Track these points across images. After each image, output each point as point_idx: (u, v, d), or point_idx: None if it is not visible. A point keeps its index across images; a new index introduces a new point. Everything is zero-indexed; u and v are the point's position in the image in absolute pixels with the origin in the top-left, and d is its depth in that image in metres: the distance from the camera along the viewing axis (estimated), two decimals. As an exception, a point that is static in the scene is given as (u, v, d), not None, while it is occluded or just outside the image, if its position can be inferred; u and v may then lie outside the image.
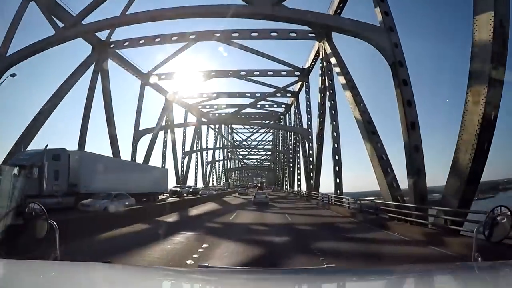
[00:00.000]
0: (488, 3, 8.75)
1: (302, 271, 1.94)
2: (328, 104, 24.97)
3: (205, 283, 1.55)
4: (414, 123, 12.30)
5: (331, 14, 20.30)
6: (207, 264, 1.72)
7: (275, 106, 54.29)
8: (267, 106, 54.03)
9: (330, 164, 23.16)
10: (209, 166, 74.82)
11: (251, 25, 29.54)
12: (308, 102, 35.78)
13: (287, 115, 55.13)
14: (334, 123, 23.94)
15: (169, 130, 48.61)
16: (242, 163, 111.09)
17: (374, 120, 16.83)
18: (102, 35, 30.75)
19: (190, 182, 74.23)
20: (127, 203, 15.70)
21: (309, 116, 34.96)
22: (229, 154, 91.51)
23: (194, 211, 18.03)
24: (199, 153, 64.30)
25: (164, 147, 47.79)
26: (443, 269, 1.84)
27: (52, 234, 1.72)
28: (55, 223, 1.76)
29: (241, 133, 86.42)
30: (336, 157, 22.97)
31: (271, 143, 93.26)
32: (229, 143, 77.69)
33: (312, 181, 31.89)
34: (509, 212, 1.72)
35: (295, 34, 26.40)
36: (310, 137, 33.43)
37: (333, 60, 23.93)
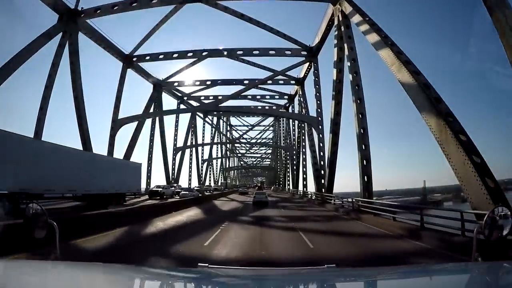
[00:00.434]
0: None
1: (302, 271, 1.90)
2: (350, 77, 18.59)
3: (205, 283, 1.52)
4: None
5: None
6: (207, 264, 1.68)
7: (276, 97, 48.06)
8: (268, 97, 47.75)
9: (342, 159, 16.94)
10: (205, 164, 68.19)
11: None
12: (317, 86, 29.40)
13: (290, 107, 48.75)
14: (358, 101, 17.58)
15: (157, 121, 42.12)
16: (241, 163, 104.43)
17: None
18: (71, 2, 25.16)
19: (183, 181, 68.07)
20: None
21: (318, 102, 28.57)
22: (228, 152, 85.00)
23: (159, 223, 11.66)
24: (194, 150, 57.77)
25: (151, 141, 41.47)
26: (443, 269, 1.85)
27: (52, 234, 1.71)
28: (55, 223, 1.74)
29: (240, 130, 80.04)
30: (363, 146, 16.62)
31: (271, 141, 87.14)
32: (227, 140, 71.16)
33: (323, 180, 25.54)
34: (509, 212, 1.70)
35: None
36: (320, 126, 27.08)
37: (356, 19, 17.67)
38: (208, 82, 41.02)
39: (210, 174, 74.43)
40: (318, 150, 27.04)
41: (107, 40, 31.25)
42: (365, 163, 16.44)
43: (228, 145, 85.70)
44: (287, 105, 51.19)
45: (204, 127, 63.59)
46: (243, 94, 44.60)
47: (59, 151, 14.15)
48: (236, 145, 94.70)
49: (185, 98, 47.16)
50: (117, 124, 32.96)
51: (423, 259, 6.66)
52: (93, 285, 1.42)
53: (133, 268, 1.90)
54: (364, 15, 17.19)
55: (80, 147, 27.50)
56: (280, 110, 45.39)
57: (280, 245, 8.02)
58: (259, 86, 40.91)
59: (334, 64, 22.35)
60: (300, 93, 37.54)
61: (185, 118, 54.70)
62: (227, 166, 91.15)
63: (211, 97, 57.23)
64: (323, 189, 25.56)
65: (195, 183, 60.82)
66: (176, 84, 40.90)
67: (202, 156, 65.65)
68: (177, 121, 48.80)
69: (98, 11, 26.51)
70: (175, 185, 36.11)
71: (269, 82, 39.77)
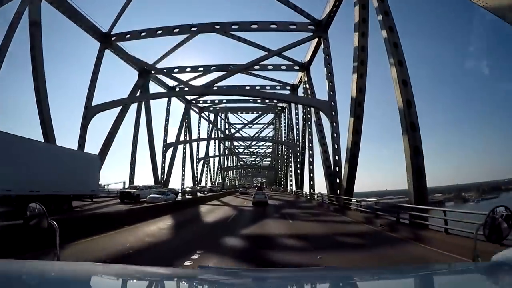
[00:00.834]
0: None
1: (302, 271, 1.97)
2: (384, 33, 13.12)
3: (205, 283, 1.51)
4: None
5: None
6: (207, 265, 1.24)
7: (278, 87, 42.56)
8: (268, 87, 42.32)
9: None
10: (200, 163, 62.61)
11: None
12: (328, 65, 23.88)
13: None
14: (399, 65, 12.12)
15: (143, 109, 36.38)
16: (241, 162, 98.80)
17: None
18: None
19: (176, 181, 62.48)
20: None
21: (330, 83, 22.96)
22: (226, 151, 79.44)
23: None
24: (187, 147, 52.26)
25: (135, 136, 35.93)
26: (443, 269, 1.83)
27: (52, 234, 1.69)
28: (55, 223, 1.71)
29: (239, 128, 74.20)
30: (410, 127, 11.15)
31: (272, 139, 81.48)
32: (223, 136, 65.53)
33: (338, 179, 20.06)
34: (509, 212, 1.68)
35: None
36: (333, 113, 21.62)
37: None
38: (201, 69, 35.68)
39: (206, 173, 68.92)
40: (331, 143, 21.49)
41: (80, 14, 25.90)
42: (413, 152, 10.95)
43: (226, 143, 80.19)
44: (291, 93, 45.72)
45: (199, 123, 58.04)
46: (241, 84, 39.46)
47: None
48: (234, 144, 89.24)
49: (177, 88, 41.78)
50: (89, 112, 27.51)
51: None
52: (93, 285, 1.41)
53: (133, 268, 1.79)
54: None
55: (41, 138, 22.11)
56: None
57: None
58: (260, 76, 35.60)
59: (355, 27, 16.88)
60: (306, 79, 32.02)
61: (177, 113, 49.37)
62: (225, 165, 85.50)
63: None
64: (338, 191, 20.10)
65: (190, 184, 55.49)
66: (165, 70, 35.24)
67: (197, 155, 60.16)
68: (167, 114, 43.23)
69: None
70: (156, 185, 30.27)
71: (270, 67, 34.38)
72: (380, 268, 2.40)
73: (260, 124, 68.77)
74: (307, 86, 31.23)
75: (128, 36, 29.75)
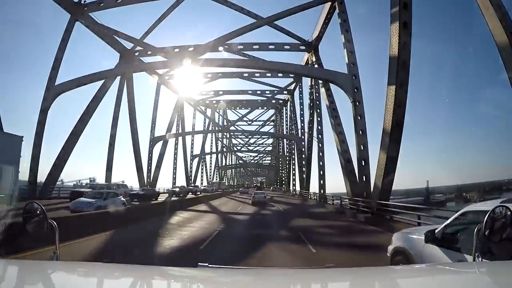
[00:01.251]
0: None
1: (302, 271, 1.83)
2: None
3: (205, 282, 1.47)
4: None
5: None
6: (207, 264, 1.61)
7: (280, 75, 37.25)
8: (269, 74, 37.08)
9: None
10: (195, 161, 57.00)
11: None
12: (346, 31, 18.43)
13: (297, 89, 38.07)
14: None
15: (125, 91, 30.41)
16: (240, 161, 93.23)
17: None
18: None
19: (166, 180, 57.00)
20: None
21: (350, 53, 17.53)
22: (224, 148, 73.97)
23: None
24: (180, 143, 46.72)
25: (114, 126, 30.24)
26: (443, 269, 1.80)
27: (52, 234, 1.63)
28: (55, 223, 1.67)
29: (238, 126, 68.60)
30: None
31: (273, 133, 75.87)
32: (218, 128, 59.96)
33: (367, 178, 14.69)
34: (509, 212, 1.68)
35: None
36: (355, 89, 16.25)
37: None
38: (191, 49, 29.96)
39: (202, 172, 63.36)
40: (354, 129, 16.03)
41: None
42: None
43: (224, 141, 74.66)
44: (292, 87, 40.40)
45: (194, 118, 52.46)
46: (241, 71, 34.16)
47: None
48: (233, 142, 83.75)
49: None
50: (51, 93, 22.16)
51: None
52: (93, 285, 1.40)
53: (133, 267, 1.76)
54: None
55: None
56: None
57: None
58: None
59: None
60: (314, 59, 26.59)
61: (169, 108, 43.84)
62: (223, 164, 79.96)
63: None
64: (365, 192, 14.71)
65: (184, 183, 49.94)
66: (149, 52, 29.73)
67: (191, 152, 54.63)
68: (156, 101, 37.41)
69: None
70: (118, 184, 24.51)
71: (272, 47, 28.97)
72: (381, 268, 2.19)
73: (260, 121, 63.09)
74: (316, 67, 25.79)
75: (102, 4, 24.49)
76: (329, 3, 20.82)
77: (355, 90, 16.42)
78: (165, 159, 38.83)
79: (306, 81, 43.67)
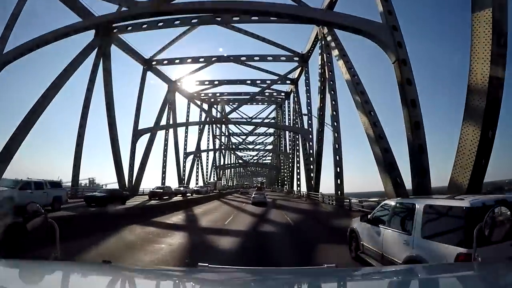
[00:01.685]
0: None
1: (302, 271, 1.84)
2: None
3: (205, 282, 1.44)
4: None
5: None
6: (207, 264, 1.59)
7: (283, 58, 32.07)
8: (270, 58, 31.97)
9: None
10: (190, 160, 51.58)
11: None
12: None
13: (303, 73, 32.84)
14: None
15: (101, 69, 24.50)
16: (240, 161, 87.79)
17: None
18: None
19: (155, 180, 51.48)
20: None
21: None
22: (222, 146, 68.63)
23: None
24: (170, 138, 41.39)
25: (85, 115, 24.61)
26: (443, 269, 1.78)
27: (52, 234, 1.63)
28: (55, 223, 1.66)
29: (238, 125, 63.24)
30: None
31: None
32: (214, 120, 54.62)
33: (424, 173, 9.44)
34: (509, 212, 1.67)
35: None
36: (398, 45, 11.08)
37: None
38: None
39: (197, 172, 57.95)
40: (401, 98, 10.76)
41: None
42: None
43: (223, 139, 69.39)
44: (296, 75, 35.19)
45: (189, 106, 46.80)
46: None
47: None
48: (232, 140, 78.45)
49: (154, 62, 31.07)
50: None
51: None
52: (93, 285, 1.37)
53: (133, 268, 1.74)
54: None
55: None
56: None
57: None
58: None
59: None
60: (324, 41, 21.20)
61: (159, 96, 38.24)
62: (221, 163, 74.64)
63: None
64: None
65: (176, 183, 44.67)
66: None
67: (185, 149, 49.32)
68: (141, 89, 31.85)
69: None
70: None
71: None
72: (380, 268, 2.20)
73: (259, 119, 57.62)
74: (333, 44, 20.31)
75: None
76: None
77: (398, 47, 11.14)
78: (155, 157, 33.56)
79: (313, 66, 38.53)
